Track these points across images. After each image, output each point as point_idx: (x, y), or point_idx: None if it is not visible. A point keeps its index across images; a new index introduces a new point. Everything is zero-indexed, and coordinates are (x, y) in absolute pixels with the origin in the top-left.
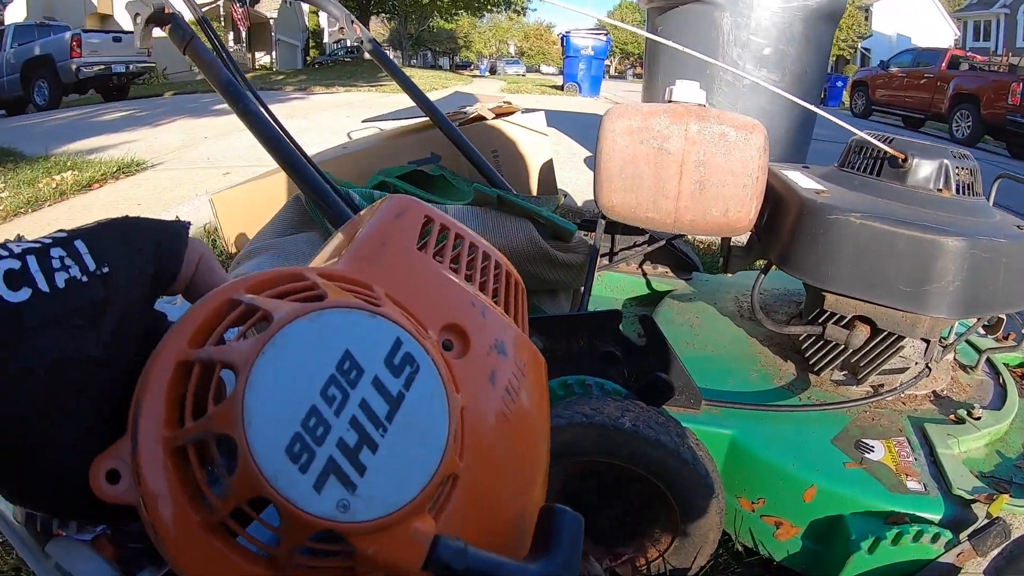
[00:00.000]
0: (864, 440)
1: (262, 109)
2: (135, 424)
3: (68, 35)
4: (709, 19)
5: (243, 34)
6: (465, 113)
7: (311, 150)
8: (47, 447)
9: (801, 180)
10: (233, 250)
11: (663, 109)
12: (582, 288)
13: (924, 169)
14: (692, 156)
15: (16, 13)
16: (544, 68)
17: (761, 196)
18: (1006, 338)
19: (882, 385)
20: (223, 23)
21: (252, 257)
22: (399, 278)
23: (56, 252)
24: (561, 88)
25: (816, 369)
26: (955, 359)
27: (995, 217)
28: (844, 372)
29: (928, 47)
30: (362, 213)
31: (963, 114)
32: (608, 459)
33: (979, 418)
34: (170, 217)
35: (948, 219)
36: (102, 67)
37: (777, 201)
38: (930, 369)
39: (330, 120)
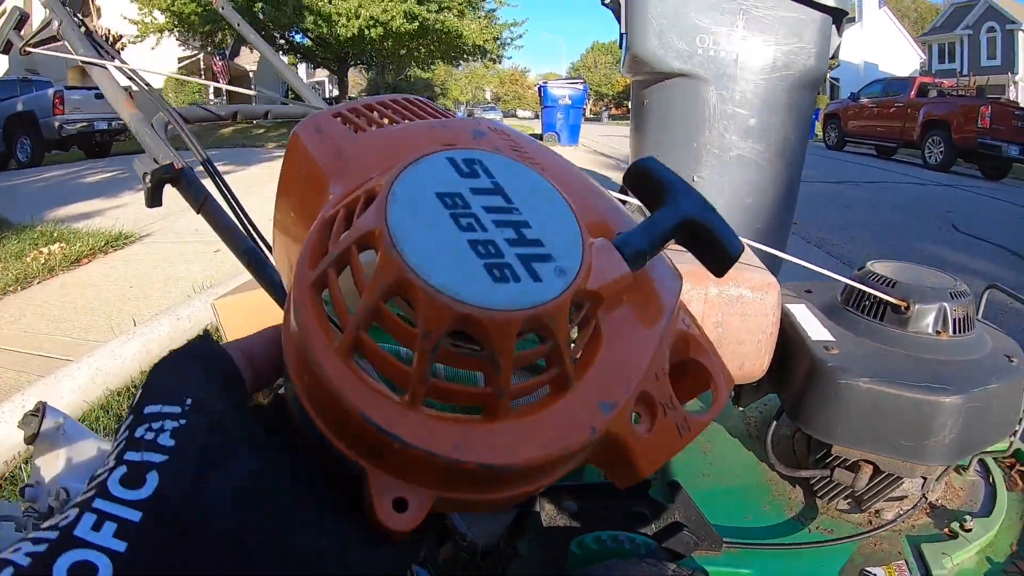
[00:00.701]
0: (868, 569)
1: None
2: (309, 357)
3: (51, 92)
4: (695, 92)
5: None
6: None
7: None
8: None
9: (809, 323)
10: None
11: (684, 272)
12: None
13: (924, 316)
14: (711, 318)
15: None
16: (520, 112)
17: (773, 348)
18: None
19: (882, 510)
20: (203, 75)
21: None
22: (378, 157)
23: (140, 430)
24: (540, 137)
25: (822, 500)
26: None
27: (987, 348)
28: (848, 501)
29: (896, 77)
30: (284, 165)
31: (935, 140)
32: None
33: (970, 530)
34: (172, 318)
35: (946, 369)
36: (85, 124)
37: (787, 344)
38: (927, 498)
39: None
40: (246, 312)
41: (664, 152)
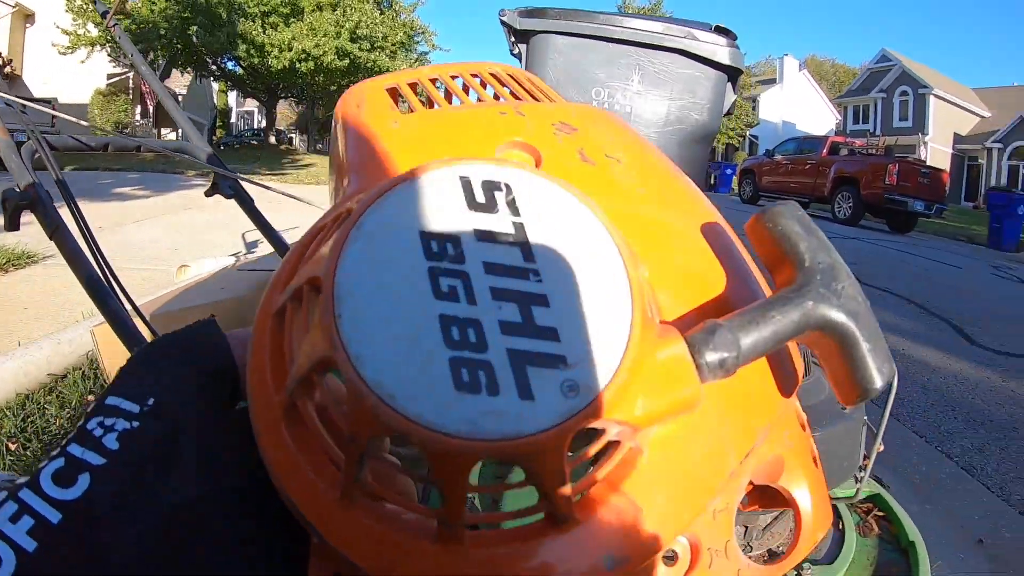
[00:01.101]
0: None
1: (128, 308)
2: (251, 405)
3: None
4: None
5: (150, 109)
6: None
7: (212, 250)
8: None
9: None
10: None
11: None
12: None
13: None
14: None
15: None
16: None
17: None
18: None
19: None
20: (131, 95)
21: None
22: (409, 152)
23: (93, 423)
24: None
25: None
26: None
27: (823, 394)
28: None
29: (810, 135)
30: (338, 122)
31: (844, 196)
32: None
33: None
34: (53, 342)
35: None
36: None
37: None
38: (752, 547)
39: (230, 215)
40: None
41: None
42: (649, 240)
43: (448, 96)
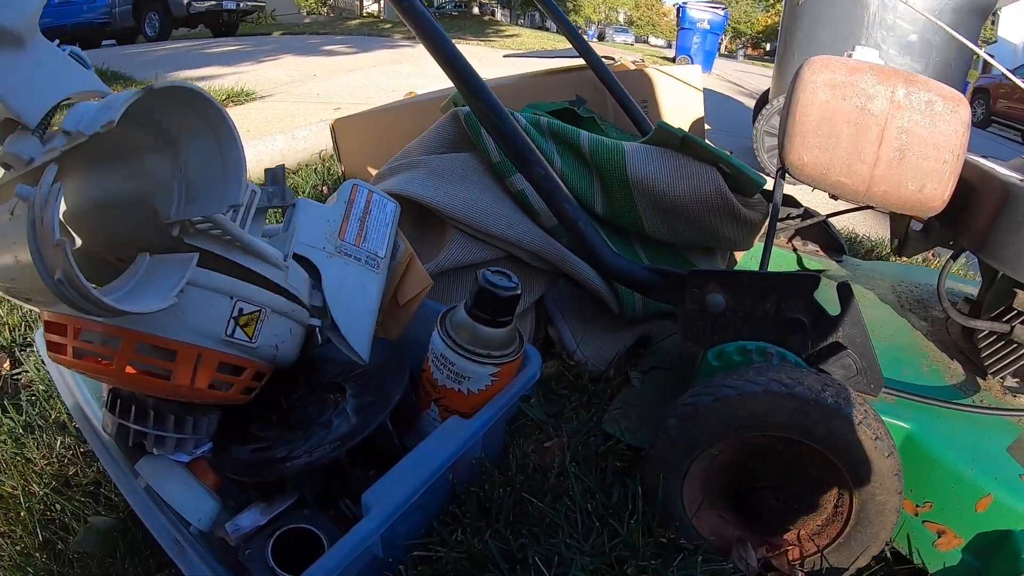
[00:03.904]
0: None
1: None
2: None
3: None
4: None
5: None
6: (613, 60)
7: (424, 92)
8: None
9: (995, 166)
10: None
11: (869, 67)
12: (739, 251)
13: None
14: (896, 121)
15: None
16: (652, 40)
17: (958, 175)
18: None
19: None
20: None
21: (398, 172)
22: None
23: None
24: (673, 60)
25: (990, 371)
26: None
27: None
28: (1017, 379)
29: None
30: None
31: None
32: (798, 436)
33: None
34: (288, 137)
35: None
36: (213, 3)
37: (970, 185)
38: None
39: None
40: (360, 134)
41: (812, 54)
42: None
43: None
